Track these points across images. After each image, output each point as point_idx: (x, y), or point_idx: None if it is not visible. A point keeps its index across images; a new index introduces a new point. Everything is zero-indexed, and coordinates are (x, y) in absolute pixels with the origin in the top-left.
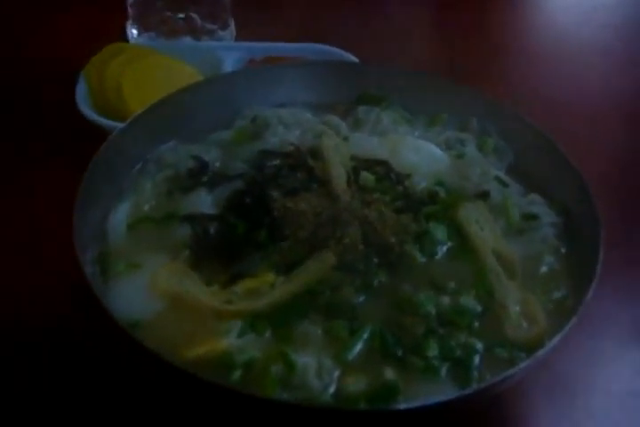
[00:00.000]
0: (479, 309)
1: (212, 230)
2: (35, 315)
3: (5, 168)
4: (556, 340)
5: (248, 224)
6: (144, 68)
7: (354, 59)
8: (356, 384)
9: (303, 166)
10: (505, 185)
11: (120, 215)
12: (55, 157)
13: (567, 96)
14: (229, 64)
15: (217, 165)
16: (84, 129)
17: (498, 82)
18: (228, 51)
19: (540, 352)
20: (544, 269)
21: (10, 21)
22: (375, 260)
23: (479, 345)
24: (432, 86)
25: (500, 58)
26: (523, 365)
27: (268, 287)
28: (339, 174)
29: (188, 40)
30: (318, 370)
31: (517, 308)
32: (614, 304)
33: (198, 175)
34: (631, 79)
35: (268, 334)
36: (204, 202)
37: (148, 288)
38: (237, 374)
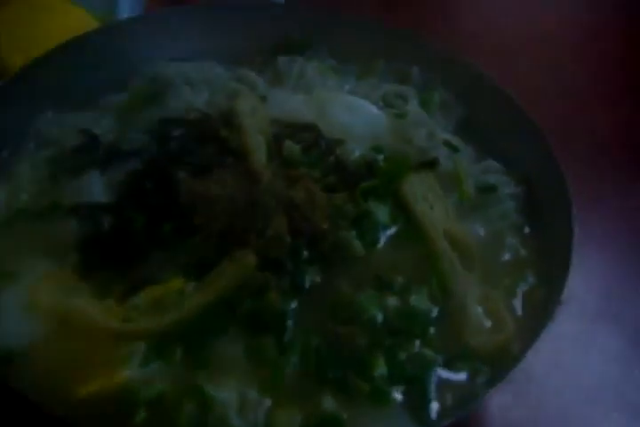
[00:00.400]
0: (434, 311)
1: (105, 225)
2: None
3: None
4: (526, 352)
5: (148, 216)
6: (21, 11)
7: None
8: (289, 421)
9: (214, 137)
10: (455, 150)
11: None
12: None
13: (519, 39)
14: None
15: (110, 137)
16: None
17: (440, 24)
18: None
19: (508, 374)
20: (507, 255)
21: None
22: (305, 254)
23: (436, 358)
24: (364, 30)
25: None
26: (486, 394)
27: (176, 296)
28: (257, 146)
29: None
30: (241, 406)
31: (478, 307)
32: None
33: (87, 153)
34: (587, 21)
35: (178, 358)
36: (94, 187)
37: (25, 307)
38: (142, 415)
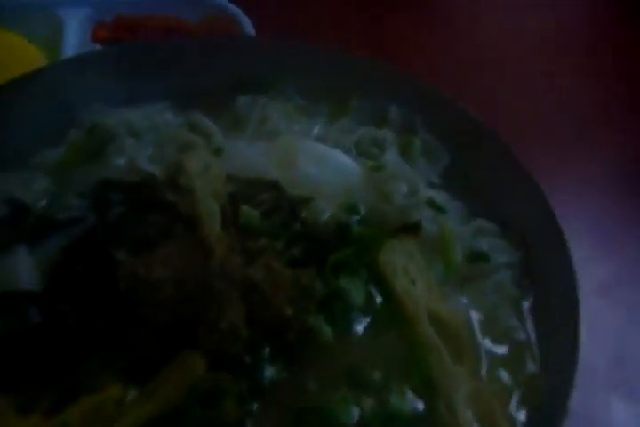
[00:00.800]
0: (418, 414)
1: (30, 320)
2: None
3: None
4: None
5: (81, 308)
6: None
7: (240, 13)
8: None
9: (159, 203)
10: (441, 211)
11: None
12: None
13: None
14: (72, 27)
15: (42, 203)
16: None
17: (420, 56)
18: (70, 8)
19: None
20: (502, 339)
21: None
22: (266, 349)
23: None
24: (336, 65)
25: (420, 29)
26: None
27: (114, 408)
28: (210, 213)
29: None
30: None
31: (469, 410)
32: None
33: (14, 226)
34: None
35: None
36: (21, 268)
37: None
38: None
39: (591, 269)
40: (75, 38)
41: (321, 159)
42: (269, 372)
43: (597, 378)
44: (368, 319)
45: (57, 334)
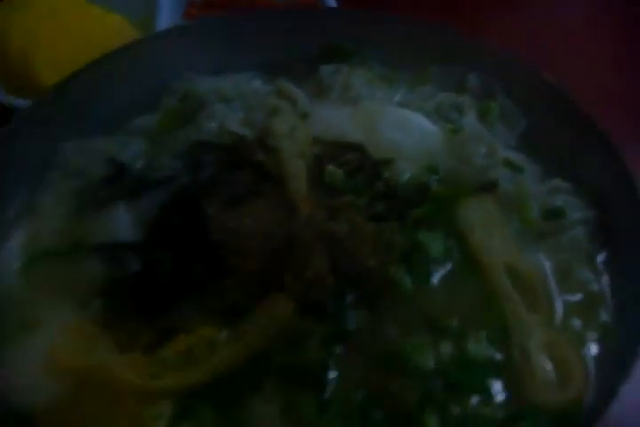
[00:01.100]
0: (494, 360)
1: (131, 267)
2: None
3: None
4: (602, 414)
5: (177, 257)
6: (56, 23)
7: None
8: None
9: (249, 163)
10: (518, 170)
11: (11, 249)
12: None
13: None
14: (165, 5)
15: (139, 164)
16: None
17: (498, 25)
18: None
19: None
20: (577, 290)
21: None
22: (349, 297)
23: (496, 418)
24: (417, 34)
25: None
26: None
27: (206, 348)
28: (296, 172)
29: None
30: None
31: (543, 356)
32: None
33: (114, 184)
34: None
35: (208, 420)
36: (121, 222)
37: (46, 363)
38: None
39: None
40: (167, 17)
41: (402, 123)
42: (352, 318)
43: None
44: (446, 271)
45: (155, 279)
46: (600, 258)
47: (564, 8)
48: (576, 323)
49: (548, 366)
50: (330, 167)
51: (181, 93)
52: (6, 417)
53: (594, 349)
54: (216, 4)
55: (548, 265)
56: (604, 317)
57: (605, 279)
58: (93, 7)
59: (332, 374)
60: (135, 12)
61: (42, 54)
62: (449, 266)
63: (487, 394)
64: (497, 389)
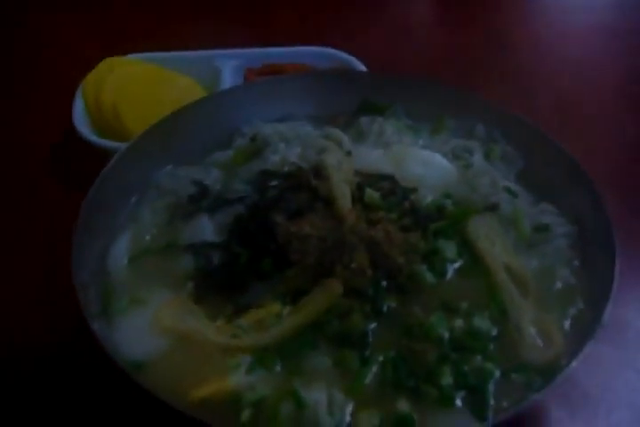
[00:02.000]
0: (494, 331)
1: (215, 260)
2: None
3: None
4: (572, 365)
5: (252, 252)
6: (139, 83)
7: (357, 62)
8: (370, 420)
9: (306, 187)
10: (514, 195)
11: (120, 248)
12: (53, 179)
13: (575, 94)
14: (227, 72)
15: (217, 187)
16: (82, 149)
17: (502, 80)
18: (225, 59)
19: (557, 379)
20: (558, 284)
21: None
22: (384, 283)
23: (495, 370)
24: (435, 93)
25: (504, 57)
26: (537, 396)
27: (274, 318)
28: (343, 194)
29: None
30: (330, 406)
31: (532, 328)
32: (634, 311)
33: (199, 200)
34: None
35: (277, 368)
36: (205, 229)
37: (152, 326)
38: (247, 414)
39: None
40: (229, 82)
41: (425, 161)
42: (386, 300)
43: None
44: (458, 268)
45: (234, 268)
46: (576, 262)
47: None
48: (557, 306)
49: (536, 335)
50: (368, 190)
51: (250, 135)
52: (122, 364)
53: (570, 323)
54: (272, 72)
55: (536, 265)
56: (579, 302)
57: (580, 276)
58: (169, 73)
59: (371, 339)
60: (202, 77)
61: (128, 107)
62: (460, 265)
63: (488, 354)
64: (496, 351)
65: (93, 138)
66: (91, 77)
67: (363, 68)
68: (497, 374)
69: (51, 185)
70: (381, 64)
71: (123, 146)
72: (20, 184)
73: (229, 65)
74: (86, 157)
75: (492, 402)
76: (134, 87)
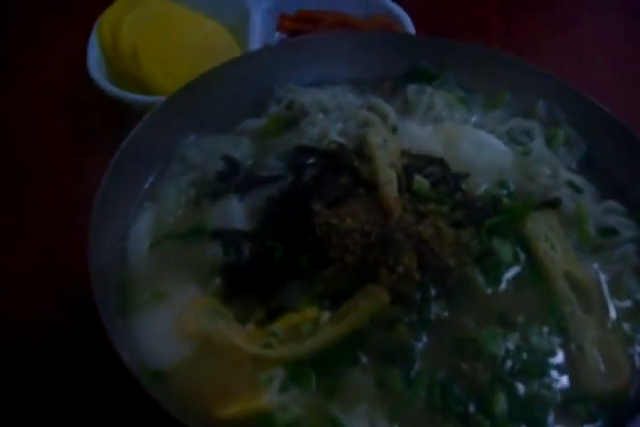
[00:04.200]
0: (554, 351)
1: (245, 252)
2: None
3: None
4: None
5: (286, 246)
6: (161, 25)
7: (399, 9)
8: None
9: (347, 168)
10: (578, 190)
11: (141, 231)
12: (63, 132)
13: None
14: (257, 16)
15: (249, 163)
16: (95, 97)
17: (566, 57)
18: (256, 1)
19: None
20: (625, 299)
21: None
22: (432, 290)
23: (554, 400)
24: (493, 62)
25: (570, 30)
26: None
27: (310, 325)
28: (389, 179)
29: None
30: None
31: (596, 350)
32: None
33: (228, 178)
34: None
35: (313, 385)
36: (235, 213)
37: (175, 329)
38: None
39: None
40: (260, 27)
41: (478, 142)
42: (434, 309)
43: None
44: (514, 274)
45: (267, 265)
46: None
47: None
48: (625, 326)
49: (600, 359)
50: (418, 177)
51: (286, 102)
52: (142, 373)
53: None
54: (308, 20)
55: (601, 275)
56: None
57: None
58: (193, 14)
59: (417, 355)
60: (229, 20)
61: (148, 51)
62: (516, 270)
63: (547, 379)
64: (555, 376)
65: (109, 86)
66: (107, 17)
67: (405, 15)
68: (556, 403)
69: (60, 140)
70: (425, 15)
71: (138, 99)
72: (26, 140)
73: (261, 7)
74: (99, 107)
75: None
76: (155, 29)
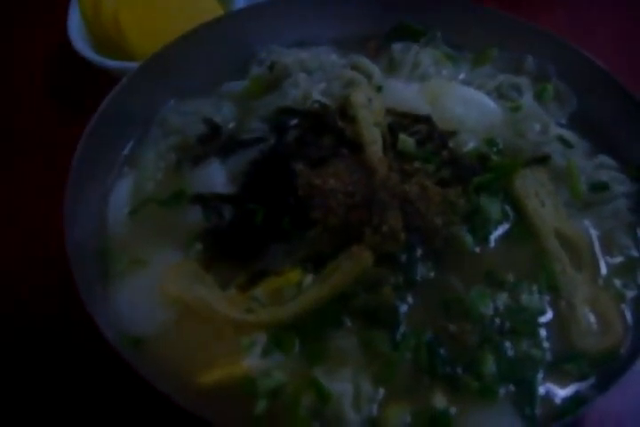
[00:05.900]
0: (544, 310)
1: (226, 216)
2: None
3: None
4: (637, 358)
5: (268, 209)
6: None
7: None
8: (400, 416)
9: (331, 128)
10: (569, 146)
11: (120, 197)
12: (44, 101)
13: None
14: None
15: (230, 126)
16: (77, 65)
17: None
18: None
19: (619, 378)
20: (617, 255)
21: None
22: (418, 250)
23: (544, 359)
24: (479, 16)
25: None
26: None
27: (294, 288)
28: (373, 139)
29: None
30: (356, 398)
31: (587, 308)
32: None
33: (210, 142)
34: None
35: (296, 349)
36: (216, 177)
37: (155, 295)
38: (262, 405)
39: None
40: None
41: (466, 99)
42: (421, 270)
43: None
44: (503, 232)
45: (248, 228)
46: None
47: None
48: (616, 282)
49: (591, 317)
50: (403, 136)
51: (269, 63)
52: (120, 339)
53: (631, 305)
54: None
55: (592, 231)
56: None
57: None
58: None
59: (403, 317)
60: None
61: (131, 18)
62: (505, 228)
63: (537, 339)
64: (545, 335)
65: (90, 54)
66: None
67: None
68: (546, 362)
69: (40, 108)
70: None
71: (122, 65)
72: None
73: None
74: (82, 75)
75: (540, 397)
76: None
